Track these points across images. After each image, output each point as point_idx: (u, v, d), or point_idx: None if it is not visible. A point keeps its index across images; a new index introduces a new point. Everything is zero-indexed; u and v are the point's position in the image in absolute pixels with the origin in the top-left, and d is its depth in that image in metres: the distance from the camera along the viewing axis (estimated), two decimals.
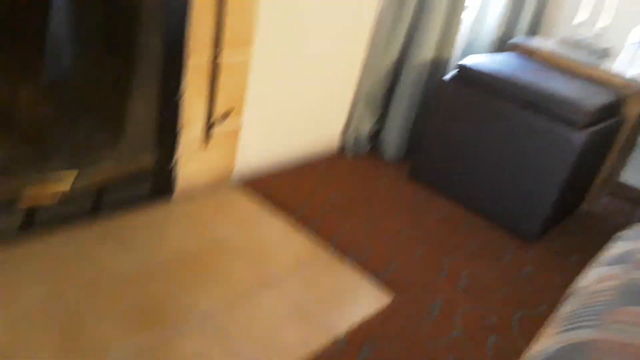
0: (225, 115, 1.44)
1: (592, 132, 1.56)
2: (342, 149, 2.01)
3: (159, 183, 1.37)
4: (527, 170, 1.64)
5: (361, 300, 1.24)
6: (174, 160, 1.37)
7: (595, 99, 1.62)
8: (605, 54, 2.14)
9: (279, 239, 1.38)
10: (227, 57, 1.35)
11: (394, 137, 2.01)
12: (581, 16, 2.25)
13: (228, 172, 1.56)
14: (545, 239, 1.75)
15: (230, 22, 1.30)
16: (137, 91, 1.28)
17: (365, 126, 2.00)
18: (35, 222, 1.12)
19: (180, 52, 1.24)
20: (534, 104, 1.62)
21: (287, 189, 1.64)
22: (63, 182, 1.12)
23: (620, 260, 0.59)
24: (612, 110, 1.77)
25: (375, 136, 2.08)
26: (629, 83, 1.88)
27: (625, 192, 2.24)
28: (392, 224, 1.60)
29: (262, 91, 1.55)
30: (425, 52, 1.88)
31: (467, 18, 2.18)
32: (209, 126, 1.40)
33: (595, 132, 1.60)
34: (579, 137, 1.53)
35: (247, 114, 1.54)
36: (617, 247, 0.65)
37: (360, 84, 1.91)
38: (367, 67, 1.85)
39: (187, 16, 1.21)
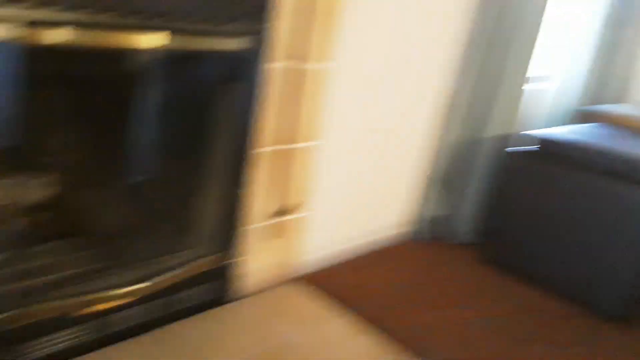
0: (292, 208, 1.42)
1: None
2: (411, 234, 1.92)
3: (223, 284, 1.36)
4: (616, 249, 1.47)
5: None
6: (238, 259, 1.36)
7: None
8: None
9: (345, 340, 1.30)
10: (294, 150, 1.35)
11: (466, 220, 1.89)
12: None
13: (293, 267, 1.52)
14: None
15: (300, 115, 1.32)
16: (205, 191, 1.30)
17: (436, 209, 1.91)
18: (100, 332, 1.13)
19: (248, 148, 1.26)
20: (619, 172, 1.47)
21: (353, 282, 1.57)
22: (131, 294, 1.13)
23: None
24: None
25: (447, 219, 1.98)
26: None
27: None
28: (470, 314, 1.48)
29: (328, 179, 1.53)
30: (496, 129, 1.79)
31: (547, 89, 2.07)
32: (275, 221, 1.39)
33: None
34: None
35: (314, 205, 1.52)
36: None
37: (429, 165, 1.84)
38: (437, 147, 1.78)
39: (258, 112, 1.23)
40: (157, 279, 1.18)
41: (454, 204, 1.95)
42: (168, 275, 1.20)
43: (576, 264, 1.57)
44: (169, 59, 1.11)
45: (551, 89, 2.05)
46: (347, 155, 1.56)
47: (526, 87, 1.83)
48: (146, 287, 1.15)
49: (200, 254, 1.29)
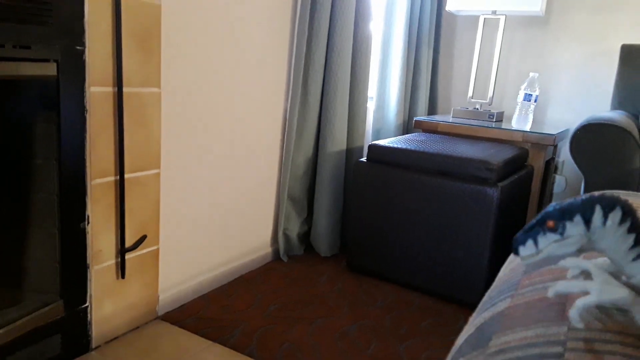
0: (140, 239, 1.35)
1: (505, 185, 1.62)
2: (275, 254, 1.94)
3: (71, 333, 1.22)
4: (455, 236, 1.64)
5: None
6: (86, 303, 1.24)
7: (500, 155, 1.70)
8: (499, 117, 2.31)
9: None
10: (134, 178, 1.30)
11: (324, 232, 1.98)
12: (471, 90, 2.45)
13: (151, 304, 1.43)
14: None
15: (133, 142, 1.28)
16: (33, 232, 1.18)
17: (294, 226, 1.96)
18: None
19: (80, 180, 1.18)
20: (445, 171, 1.67)
21: (218, 313, 1.52)
22: None
23: None
24: (519, 163, 1.86)
25: (307, 234, 2.04)
26: (527, 136, 2.01)
27: None
28: (338, 323, 1.51)
29: (177, 208, 1.49)
30: (337, 144, 1.93)
31: (370, 109, 2.30)
32: (122, 255, 1.30)
33: (508, 185, 1.65)
34: (494, 192, 1.57)
35: (164, 235, 1.46)
36: None
37: (280, 185, 1.91)
38: (284, 167, 1.86)
39: (84, 141, 1.16)
40: None
41: (311, 220, 2.03)
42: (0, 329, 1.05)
43: (429, 260, 1.71)
44: None
45: (373, 106, 2.29)
46: (193, 183, 1.54)
47: (368, 105, 2.01)
48: None
49: (39, 302, 1.15)
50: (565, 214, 0.37)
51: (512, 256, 0.57)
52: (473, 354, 0.36)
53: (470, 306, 1.66)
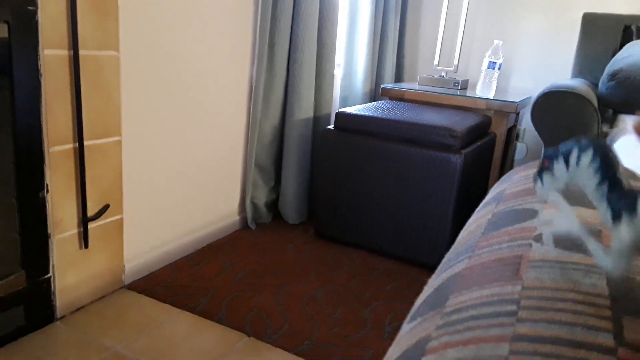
0: (103, 209, 1.32)
1: (468, 152, 1.65)
2: (243, 222, 1.94)
3: (35, 304, 1.20)
4: (421, 202, 1.67)
5: None
6: (48, 274, 1.22)
7: (464, 122, 1.73)
8: (464, 84, 2.34)
9: (185, 337, 1.25)
10: (94, 145, 1.26)
11: (292, 200, 1.98)
12: (437, 58, 2.46)
13: (116, 273, 1.42)
14: None
15: (92, 108, 1.23)
16: None
17: (262, 194, 1.96)
18: None
19: (37, 148, 1.14)
20: (411, 138, 1.69)
21: (189, 278, 1.52)
22: None
23: (492, 201, 0.60)
24: (482, 130, 1.89)
25: (275, 202, 2.05)
26: (490, 104, 2.05)
27: None
28: (305, 288, 1.53)
29: (141, 176, 1.47)
30: (304, 112, 1.92)
31: (338, 76, 2.29)
32: (85, 224, 1.28)
33: (471, 152, 1.68)
34: (457, 158, 1.60)
35: (129, 204, 1.44)
36: (491, 193, 0.67)
37: (247, 153, 1.89)
38: (251, 134, 1.84)
39: (39, 107, 1.12)
40: None
41: (279, 187, 2.03)
42: None
43: (394, 225, 1.74)
44: None
45: (340, 74, 2.27)
46: (158, 150, 1.51)
47: (335, 72, 1.99)
48: None
49: None
50: (553, 155, 0.42)
51: (471, 219, 0.59)
52: (430, 314, 0.37)
53: (434, 268, 1.72)
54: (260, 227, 1.95)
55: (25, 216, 1.15)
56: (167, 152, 1.54)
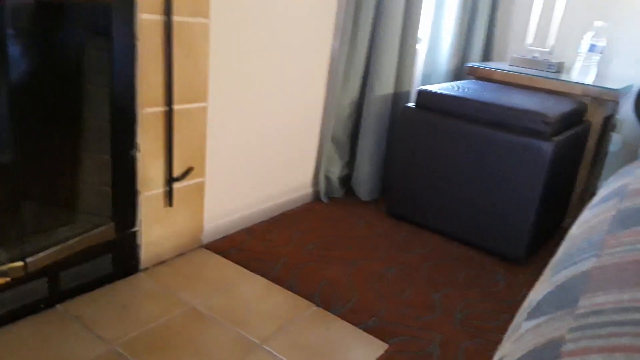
0: (187, 171, 1.38)
1: (560, 140, 1.54)
2: (315, 195, 1.96)
3: (121, 254, 1.28)
4: (503, 189, 1.59)
5: (353, 354, 1.14)
6: (135, 227, 1.29)
7: (557, 108, 1.62)
8: (559, 67, 2.18)
9: (258, 299, 1.29)
10: (182, 110, 1.31)
11: (366, 176, 1.97)
12: (530, 37, 2.31)
13: (196, 232, 1.48)
14: (534, 260, 1.68)
15: (182, 73, 1.27)
16: (86, 157, 1.22)
17: (336, 169, 1.96)
18: None
19: (131, 108, 1.20)
20: (498, 122, 1.60)
21: (262, 244, 1.56)
22: (10, 274, 1.03)
23: (613, 195, 0.54)
24: (576, 118, 1.76)
25: (348, 177, 2.04)
26: (588, 90, 1.89)
27: None
28: (375, 266, 1.52)
29: (223, 142, 1.51)
30: (384, 88, 1.88)
31: (421, 51, 2.21)
32: (170, 184, 1.34)
33: (563, 141, 1.57)
34: (548, 146, 1.50)
35: (210, 168, 1.49)
36: (608, 187, 0.61)
37: (324, 127, 1.89)
38: (328, 109, 1.83)
39: (134, 70, 1.17)
40: (39, 255, 1.08)
41: (353, 163, 2.02)
42: (54, 248, 1.11)
43: (473, 211, 1.68)
44: (20, 12, 1.02)
45: (423, 51, 2.19)
46: (240, 118, 1.54)
47: (418, 47, 1.92)
48: (25, 265, 1.05)
49: (91, 224, 1.21)
50: None
51: (586, 214, 0.54)
52: (558, 314, 0.34)
53: (511, 260, 1.64)
54: (332, 201, 1.95)
55: (117, 172, 1.22)
56: (248, 120, 1.57)
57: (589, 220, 0.50)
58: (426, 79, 2.23)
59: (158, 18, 1.19)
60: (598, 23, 2.02)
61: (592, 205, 0.57)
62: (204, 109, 1.37)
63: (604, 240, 0.42)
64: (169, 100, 1.26)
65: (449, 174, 1.69)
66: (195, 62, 1.30)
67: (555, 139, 1.52)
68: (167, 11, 1.19)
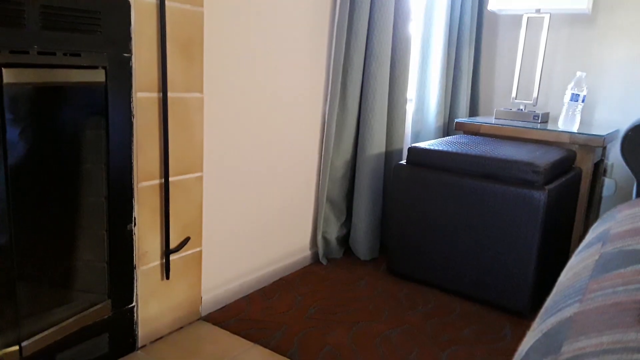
0: (184, 241, 1.37)
1: (552, 188, 1.56)
2: (314, 257, 1.94)
3: (118, 333, 1.25)
4: (501, 241, 1.59)
5: None
6: (132, 303, 1.27)
7: (546, 157, 1.65)
8: (545, 118, 2.24)
9: None
10: (178, 181, 1.33)
11: (364, 235, 1.96)
12: (514, 90, 2.39)
13: (194, 304, 1.45)
14: (539, 309, 1.65)
15: (177, 146, 1.30)
16: (83, 234, 1.22)
17: (333, 229, 1.96)
18: None
19: (127, 184, 1.21)
20: (490, 174, 1.63)
21: (262, 312, 1.53)
22: (5, 359, 1.01)
23: (595, 241, 0.55)
24: (566, 165, 1.79)
25: (346, 237, 2.03)
26: (575, 138, 1.94)
27: None
28: (379, 328, 1.49)
29: (220, 210, 1.52)
30: (376, 147, 1.92)
31: (410, 110, 2.28)
32: (167, 256, 1.33)
33: (555, 189, 1.59)
34: (541, 195, 1.51)
35: (207, 237, 1.49)
36: (593, 232, 0.61)
37: (319, 188, 1.90)
38: (323, 169, 1.86)
39: (131, 146, 1.20)
40: (32, 340, 1.06)
41: (350, 223, 2.02)
42: (47, 333, 1.09)
43: (473, 265, 1.67)
44: (17, 97, 1.06)
45: (412, 108, 2.26)
46: (236, 186, 1.56)
47: (407, 106, 1.99)
48: (15, 351, 1.03)
49: (87, 303, 1.19)
50: None
51: (572, 260, 0.55)
52: None
53: (516, 313, 1.61)
54: (331, 263, 1.93)
55: (113, 248, 1.22)
56: (243, 187, 1.59)
57: (575, 267, 0.50)
58: (416, 137, 2.28)
59: (154, 95, 1.23)
60: (578, 73, 2.10)
61: (579, 251, 0.57)
62: (200, 178, 1.39)
63: (587, 286, 0.43)
64: (165, 173, 1.28)
65: (445, 229, 1.70)
66: (191, 134, 1.34)
67: (548, 187, 1.54)
68: (163, 88, 1.24)
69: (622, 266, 0.43)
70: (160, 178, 1.28)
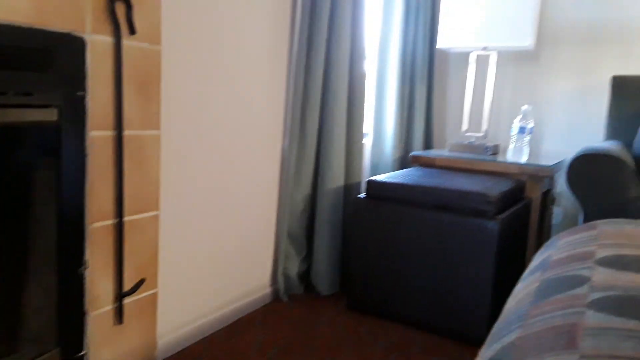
0: (138, 283, 1.33)
1: (504, 218, 1.61)
2: (275, 294, 1.91)
3: None
4: (457, 271, 1.62)
5: None
6: (82, 351, 1.21)
7: (497, 187, 1.71)
8: (495, 150, 2.33)
9: None
10: (133, 221, 1.30)
11: (324, 270, 1.96)
12: (465, 124, 2.49)
13: (149, 350, 1.40)
14: None
15: (132, 184, 1.28)
16: (32, 279, 1.16)
17: (294, 265, 1.94)
18: None
19: (79, 225, 1.17)
20: (444, 205, 1.67)
21: (221, 354, 1.49)
22: None
23: (537, 268, 0.57)
24: (517, 195, 1.86)
25: (307, 272, 2.02)
26: (523, 169, 2.02)
27: None
28: None
29: (177, 249, 1.48)
30: (335, 181, 1.94)
31: (367, 144, 2.33)
32: (120, 300, 1.28)
33: (507, 218, 1.65)
34: (494, 225, 1.56)
35: (164, 278, 1.45)
36: (536, 260, 0.63)
37: (279, 224, 1.90)
38: (283, 205, 1.86)
39: (84, 185, 1.16)
40: None
41: (310, 258, 2.01)
42: None
43: (431, 297, 1.69)
44: None
45: (370, 142, 2.31)
46: (192, 224, 1.54)
47: (364, 140, 2.03)
48: None
49: (33, 354, 1.13)
50: None
51: (517, 287, 0.57)
52: None
53: (475, 342, 1.63)
54: (292, 299, 1.91)
55: (63, 293, 1.16)
56: (201, 224, 1.56)
57: (518, 293, 0.53)
58: (374, 170, 2.32)
59: (109, 134, 1.21)
60: (525, 107, 2.21)
61: (523, 278, 0.60)
62: (156, 217, 1.37)
63: (528, 312, 0.45)
64: (119, 213, 1.25)
65: (404, 261, 1.72)
66: (147, 172, 1.32)
67: (500, 216, 1.59)
68: (118, 127, 1.23)
69: (560, 292, 0.45)
70: (115, 218, 1.25)
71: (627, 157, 1.74)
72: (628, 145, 2.14)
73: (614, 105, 2.24)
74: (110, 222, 1.24)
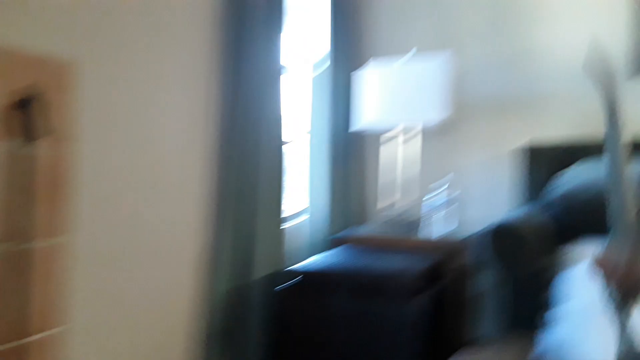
0: None
1: (422, 298, 1.62)
2: None
3: None
4: (385, 357, 1.61)
5: None
6: None
7: (414, 267, 1.73)
8: (417, 224, 2.40)
9: None
10: (35, 341, 1.22)
11: None
12: (392, 198, 2.56)
13: None
14: None
15: (35, 300, 1.21)
16: None
17: None
18: None
19: None
20: (365, 289, 1.68)
21: None
22: None
23: None
24: (437, 272, 1.90)
25: None
26: (441, 242, 2.09)
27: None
28: None
29: None
30: (260, 272, 1.91)
31: (299, 225, 2.34)
32: None
33: (426, 298, 1.66)
34: (410, 308, 1.57)
35: None
36: None
37: (205, 320, 1.83)
38: (209, 300, 1.80)
39: None
40: None
41: (239, 353, 1.93)
42: None
43: None
44: None
45: (305, 222, 2.33)
46: (108, 335, 1.46)
47: (284, 225, 2.04)
48: None
49: None
50: None
51: None
52: None
53: None
54: None
55: None
56: (119, 336, 1.49)
57: None
58: (313, 249, 2.32)
59: (6, 246, 1.16)
60: (444, 179, 2.30)
61: None
62: (61, 335, 1.29)
63: None
64: (17, 334, 1.18)
65: (330, 351, 1.68)
66: (53, 284, 1.26)
67: (418, 297, 1.60)
68: (18, 238, 1.18)
69: None
70: (13, 340, 1.18)
71: (544, 223, 1.81)
72: (545, 210, 2.25)
73: (528, 172, 2.35)
74: (13, 344, 1.17)
